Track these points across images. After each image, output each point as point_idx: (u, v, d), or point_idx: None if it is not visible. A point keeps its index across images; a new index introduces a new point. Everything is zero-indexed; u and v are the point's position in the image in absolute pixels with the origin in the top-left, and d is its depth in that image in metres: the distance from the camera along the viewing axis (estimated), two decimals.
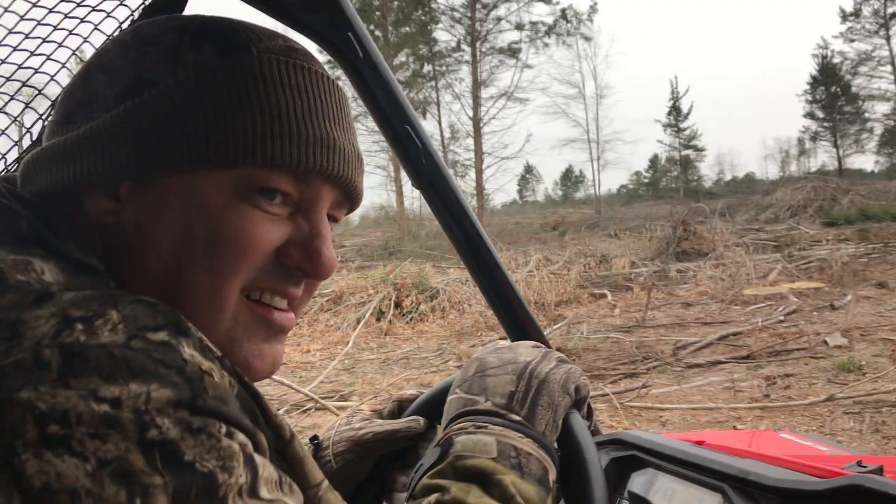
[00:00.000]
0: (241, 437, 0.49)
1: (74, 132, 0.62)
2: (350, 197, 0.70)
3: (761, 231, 23.34)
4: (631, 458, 1.13)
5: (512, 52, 33.14)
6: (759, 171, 65.57)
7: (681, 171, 59.43)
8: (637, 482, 1.11)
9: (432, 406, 0.95)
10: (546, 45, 33.10)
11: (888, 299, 9.04)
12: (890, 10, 40.48)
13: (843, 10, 42.22)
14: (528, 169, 78.48)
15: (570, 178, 77.10)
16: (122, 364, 0.45)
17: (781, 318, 8.55)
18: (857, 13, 41.65)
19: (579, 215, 42.72)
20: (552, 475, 0.75)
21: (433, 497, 0.68)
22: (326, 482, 0.59)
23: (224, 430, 0.48)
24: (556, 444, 0.80)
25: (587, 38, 36.31)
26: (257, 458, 0.50)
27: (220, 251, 0.60)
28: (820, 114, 50.80)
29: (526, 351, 0.85)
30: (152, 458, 0.44)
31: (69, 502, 0.41)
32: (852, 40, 43.01)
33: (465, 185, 35.28)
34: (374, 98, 0.97)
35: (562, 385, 0.81)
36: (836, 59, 45.72)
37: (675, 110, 57.99)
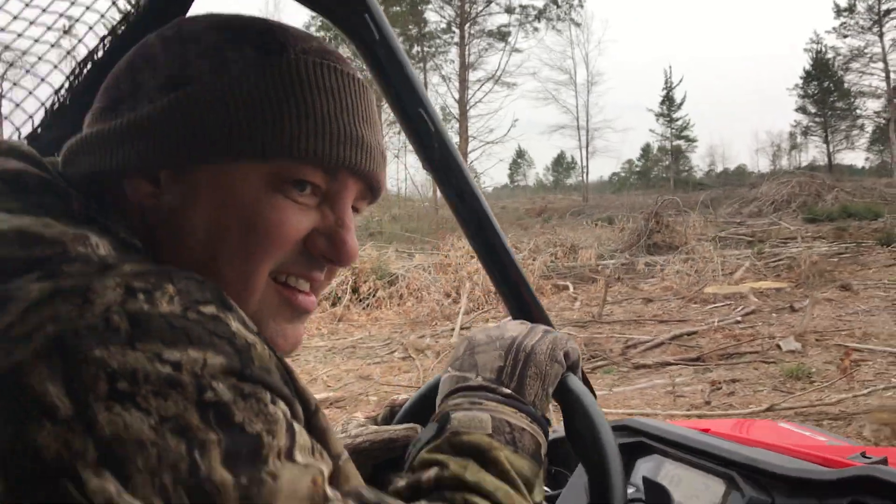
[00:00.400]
0: (282, 404, 0.54)
1: (119, 120, 0.65)
2: (373, 190, 0.73)
3: (742, 225, 23.18)
4: (637, 444, 1.13)
5: (501, 35, 32.66)
6: (751, 164, 65.66)
7: (671, 161, 59.37)
8: (643, 468, 1.11)
9: (421, 407, 0.96)
10: (536, 29, 32.64)
11: (850, 302, 8.80)
12: (884, 7, 40.16)
13: (837, 5, 41.85)
14: (520, 154, 78.37)
15: (561, 164, 76.88)
16: (181, 332, 0.50)
17: (739, 318, 8.31)
18: (851, 9, 41.27)
19: (567, 202, 42.49)
20: (543, 448, 0.78)
21: (432, 471, 0.70)
22: (346, 454, 0.62)
23: (269, 397, 0.53)
24: (552, 407, 0.83)
25: (577, 24, 35.80)
26: (295, 425, 0.54)
27: (253, 238, 0.64)
28: (812, 109, 50.60)
29: (513, 327, 0.89)
30: (207, 417, 0.48)
31: (136, 451, 0.45)
32: (845, 36, 42.71)
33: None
34: (389, 80, 0.96)
35: (548, 355, 0.84)
36: (829, 55, 45.40)
37: (667, 100, 57.76)
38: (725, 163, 69.31)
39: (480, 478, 0.70)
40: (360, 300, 10.72)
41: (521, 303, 1.10)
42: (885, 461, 0.98)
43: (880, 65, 41.47)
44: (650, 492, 1.00)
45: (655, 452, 1.12)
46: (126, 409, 0.46)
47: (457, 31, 32.50)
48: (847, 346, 6.85)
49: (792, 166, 56.86)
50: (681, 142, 59.83)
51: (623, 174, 70.74)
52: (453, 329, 8.99)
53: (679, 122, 58.76)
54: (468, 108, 32.83)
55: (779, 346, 7.06)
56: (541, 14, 31.88)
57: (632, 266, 12.60)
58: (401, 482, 0.73)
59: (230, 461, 0.48)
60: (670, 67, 72.82)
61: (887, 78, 41.53)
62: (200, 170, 0.64)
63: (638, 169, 69.31)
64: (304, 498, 0.52)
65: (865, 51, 42.06)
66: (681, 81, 64.04)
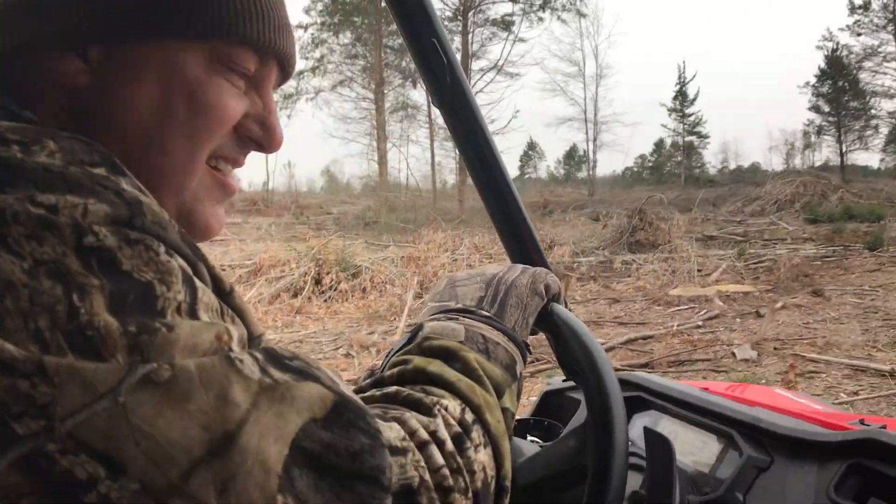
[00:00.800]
0: (179, 259, 0.49)
1: None
2: (288, 75, 0.74)
3: (742, 224, 22.75)
4: (635, 399, 1.11)
5: (505, 24, 32.17)
6: (765, 162, 64.86)
7: (683, 157, 58.90)
8: (640, 423, 1.08)
9: None
10: (541, 19, 32.08)
11: (820, 309, 8.41)
12: None
13: (851, 2, 40.92)
14: (531, 146, 77.97)
15: (573, 158, 76.37)
16: (58, 178, 0.46)
17: (700, 323, 7.95)
18: (866, 6, 40.34)
19: (575, 196, 42.06)
20: (520, 367, 0.76)
21: (395, 369, 0.70)
22: (266, 337, 0.57)
23: (163, 248, 0.48)
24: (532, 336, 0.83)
25: (582, 14, 35.18)
26: (197, 281, 0.49)
27: (200, 120, 0.62)
28: (825, 108, 49.71)
29: (493, 266, 0.89)
30: (89, 263, 0.44)
31: (5, 292, 0.41)
32: (859, 34, 41.78)
33: (447, 162, 34.68)
34: (404, 6, 0.92)
35: (529, 287, 0.84)
36: (842, 53, 44.48)
37: (681, 95, 57.22)
38: (739, 160, 68.47)
39: (443, 370, 0.68)
40: (322, 292, 10.44)
41: (522, 247, 1.05)
42: (884, 427, 0.94)
43: (894, 64, 40.66)
44: (651, 443, 0.91)
45: (653, 408, 1.10)
46: None
47: (461, 19, 32.08)
48: (801, 355, 6.51)
49: (805, 165, 56.50)
50: (693, 138, 59.49)
51: (636, 169, 70.40)
52: (409, 325, 8.69)
53: (692, 118, 58.41)
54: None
55: (733, 354, 6.72)
56: (545, 3, 31.35)
57: (609, 264, 12.24)
58: (364, 382, 0.71)
59: (116, 306, 0.44)
60: (684, 62, 71.80)
61: None
62: (139, 46, 0.61)
63: (650, 164, 68.97)
64: (206, 352, 0.47)
65: (879, 50, 41.22)
66: (694, 77, 63.44)
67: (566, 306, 0.90)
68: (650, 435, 0.90)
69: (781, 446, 0.92)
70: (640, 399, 1.13)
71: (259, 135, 0.70)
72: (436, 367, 0.69)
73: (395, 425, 0.59)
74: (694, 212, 26.69)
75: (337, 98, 33.66)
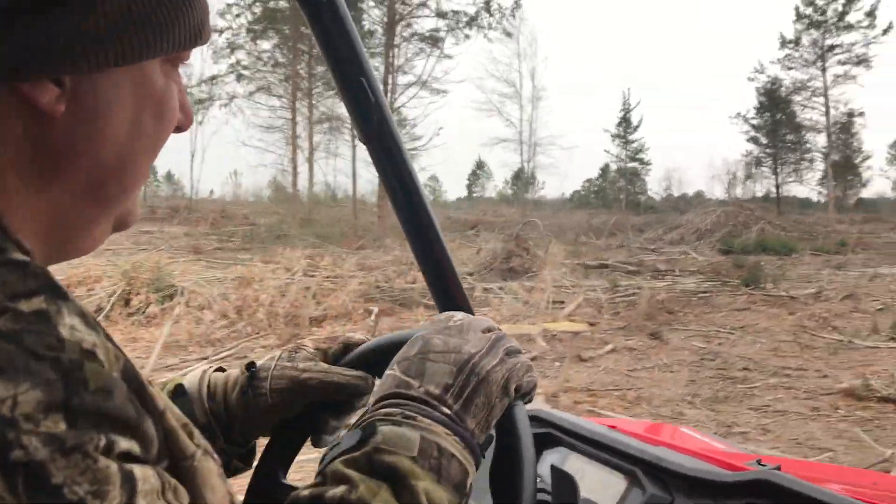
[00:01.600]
0: (122, 444, 0.45)
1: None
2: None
3: (657, 251, 22.19)
4: (546, 435, 1.14)
5: (434, 40, 31.37)
6: (708, 191, 65.38)
7: (626, 183, 59.31)
8: (549, 460, 1.10)
9: (378, 356, 0.90)
10: (467, 36, 31.29)
11: (654, 354, 7.55)
12: (828, 42, 39.71)
13: (783, 37, 41.32)
14: (479, 165, 77.66)
15: (520, 179, 76.31)
16: None
17: None
18: (796, 41, 40.78)
19: (516, 217, 41.40)
20: (470, 478, 0.71)
21: (339, 490, 0.63)
22: (202, 450, 0.54)
23: (103, 443, 0.44)
24: (492, 433, 0.78)
25: (508, 34, 34.40)
26: (137, 470, 0.46)
27: (161, 125, 0.62)
28: (763, 140, 50.17)
29: (474, 338, 0.78)
30: (13, 482, 0.40)
31: None
32: (790, 68, 42.21)
33: (370, 175, 33.56)
34: (333, 45, 0.89)
35: (502, 385, 0.76)
36: (778, 86, 44.86)
37: (624, 121, 57.56)
38: (682, 187, 69.02)
39: None
40: (130, 315, 9.25)
41: (447, 291, 0.98)
42: (779, 468, 0.98)
43: (822, 99, 41.08)
44: (557, 481, 0.93)
45: (563, 445, 1.12)
46: None
47: (387, 32, 31.19)
48: (596, 412, 5.59)
49: (746, 195, 57.34)
50: (636, 164, 60.07)
51: (583, 192, 70.81)
52: (205, 358, 7.61)
53: (635, 145, 59.00)
54: (392, 111, 31.42)
55: None
56: (472, 21, 30.60)
57: (470, 292, 11.27)
58: (304, 492, 0.64)
59: None
60: (629, 90, 72.50)
61: (827, 113, 41.18)
62: (116, 70, 0.57)
63: (595, 188, 69.50)
64: None
65: (808, 84, 41.66)
66: (638, 104, 63.58)
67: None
68: (556, 473, 0.94)
69: (681, 485, 0.95)
70: (550, 436, 1.14)
71: (181, 118, 0.66)
72: (380, 502, 0.62)
73: None
74: (604, 238, 26.33)
75: (252, 105, 32.44)
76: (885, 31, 38.42)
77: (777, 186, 48.96)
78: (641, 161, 59.21)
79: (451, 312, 0.85)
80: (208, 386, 0.92)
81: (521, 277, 12.20)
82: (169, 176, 62.97)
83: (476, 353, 0.76)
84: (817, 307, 10.53)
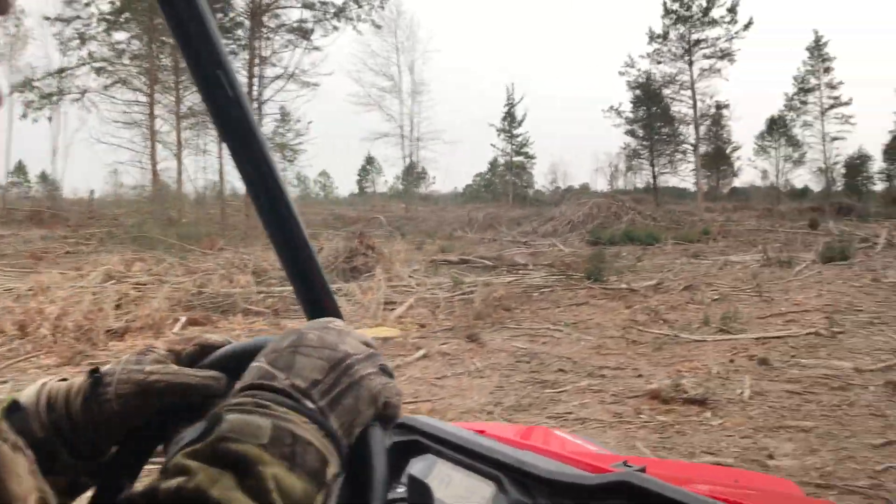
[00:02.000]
0: None
1: None
2: None
3: (529, 244, 22.08)
4: (413, 442, 1.13)
5: (303, 32, 30.17)
6: (592, 183, 66.96)
7: (512, 176, 60.01)
8: (416, 467, 1.11)
9: (237, 361, 0.83)
10: (336, 27, 30.23)
11: (468, 358, 7.01)
12: (694, 37, 41.18)
13: (651, 31, 42.56)
14: (369, 160, 76.69)
15: (411, 174, 75.81)
16: None
17: None
18: (665, 35, 42.08)
19: (397, 212, 40.64)
20: (332, 469, 0.65)
21: (175, 481, 0.58)
22: (10, 444, 0.53)
23: None
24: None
25: (378, 26, 33.48)
26: None
27: None
28: (640, 132, 51.65)
29: (353, 343, 0.74)
30: None
31: None
32: (659, 62, 43.54)
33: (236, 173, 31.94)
34: (187, 36, 0.83)
35: (373, 395, 0.72)
36: (645, 80, 46.20)
37: (509, 116, 58.17)
38: (568, 180, 70.47)
39: (229, 496, 0.57)
40: None
41: (314, 296, 0.94)
42: (643, 469, 1.01)
43: (689, 92, 42.61)
44: (412, 490, 0.96)
45: (430, 452, 1.11)
46: None
47: (248, 22, 29.74)
48: None
49: (628, 187, 59.06)
50: (521, 158, 60.93)
51: (475, 186, 71.28)
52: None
53: (520, 139, 59.78)
54: (259, 104, 30.09)
55: None
56: (340, 12, 29.59)
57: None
58: (139, 489, 0.60)
59: None
60: (513, 84, 73.07)
61: (694, 106, 42.77)
62: None
63: (485, 182, 70.09)
64: None
65: (677, 78, 43.10)
66: (522, 99, 64.34)
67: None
68: (412, 482, 0.96)
69: (543, 490, 0.96)
70: (418, 443, 1.12)
71: None
72: (220, 490, 0.57)
73: None
74: (477, 233, 26.22)
75: (108, 100, 30.24)
76: (746, 27, 40.26)
77: (654, 178, 50.54)
78: (527, 155, 60.07)
79: (330, 318, 0.81)
80: (48, 397, 0.82)
81: (362, 277, 11.49)
82: (44, 176, 58.73)
83: (353, 355, 0.73)
84: (655, 299, 10.36)
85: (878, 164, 48.68)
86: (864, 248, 18.54)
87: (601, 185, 65.18)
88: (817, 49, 44.65)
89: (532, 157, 61.30)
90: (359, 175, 78.12)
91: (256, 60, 30.00)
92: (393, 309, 9.38)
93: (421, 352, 7.07)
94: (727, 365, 6.86)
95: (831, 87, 44.09)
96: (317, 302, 0.93)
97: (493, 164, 65.93)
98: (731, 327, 8.50)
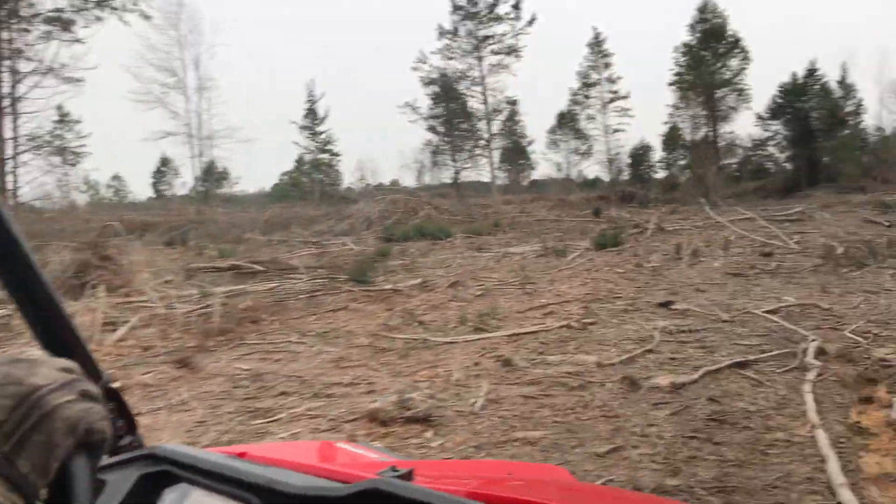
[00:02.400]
0: None
1: None
2: None
3: (321, 244, 21.09)
4: (163, 473, 1.09)
5: (64, 23, 26.94)
6: (401, 180, 66.98)
7: (317, 174, 58.83)
8: (169, 499, 1.08)
9: None
10: (99, 18, 27.29)
11: (173, 389, 5.97)
12: (482, 33, 42.19)
13: (441, 27, 43.08)
14: (164, 161, 71.67)
15: (211, 175, 71.83)
16: None
17: None
18: (454, 31, 42.75)
19: (184, 216, 37.80)
20: None
21: None
22: None
23: None
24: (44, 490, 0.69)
25: (147, 17, 30.74)
26: None
27: None
28: (440, 128, 52.23)
29: (46, 372, 0.70)
30: None
31: None
32: (450, 58, 44.20)
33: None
34: None
35: (71, 424, 0.68)
36: (440, 75, 46.77)
37: (311, 113, 56.78)
38: (377, 177, 70.07)
39: None
40: None
41: (51, 330, 0.91)
42: (410, 473, 0.99)
43: (480, 88, 43.67)
44: None
45: (183, 481, 1.07)
46: None
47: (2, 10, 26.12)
48: None
49: (434, 182, 59.86)
50: (326, 155, 59.92)
51: (283, 185, 69.02)
52: None
53: (323, 136, 58.69)
54: (16, 102, 26.56)
55: None
56: (103, 1, 26.74)
57: (10, 319, 8.78)
58: None
59: None
60: (313, 80, 71.01)
61: (485, 101, 43.92)
62: None
63: (291, 180, 68.15)
64: None
65: (468, 74, 43.98)
66: (323, 96, 62.76)
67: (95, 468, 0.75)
68: None
69: None
70: (169, 473, 1.08)
71: None
72: None
73: None
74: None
75: None
76: (530, 23, 41.85)
77: (456, 173, 51.38)
78: (331, 152, 59.08)
79: (22, 349, 0.73)
80: None
81: (95, 294, 9.96)
82: None
83: (44, 386, 0.69)
84: (419, 299, 9.85)
85: (658, 153, 52.68)
86: (635, 233, 19.47)
87: (410, 180, 65.50)
88: (597, 45, 47.33)
89: (338, 155, 60.42)
90: (153, 178, 73.00)
91: (6, 52, 26.45)
92: (114, 330, 8.06)
93: (115, 384, 5.92)
94: (471, 369, 6.37)
95: (611, 81, 46.86)
96: (48, 327, 0.88)
97: (300, 162, 64.24)
98: (488, 325, 8.12)
